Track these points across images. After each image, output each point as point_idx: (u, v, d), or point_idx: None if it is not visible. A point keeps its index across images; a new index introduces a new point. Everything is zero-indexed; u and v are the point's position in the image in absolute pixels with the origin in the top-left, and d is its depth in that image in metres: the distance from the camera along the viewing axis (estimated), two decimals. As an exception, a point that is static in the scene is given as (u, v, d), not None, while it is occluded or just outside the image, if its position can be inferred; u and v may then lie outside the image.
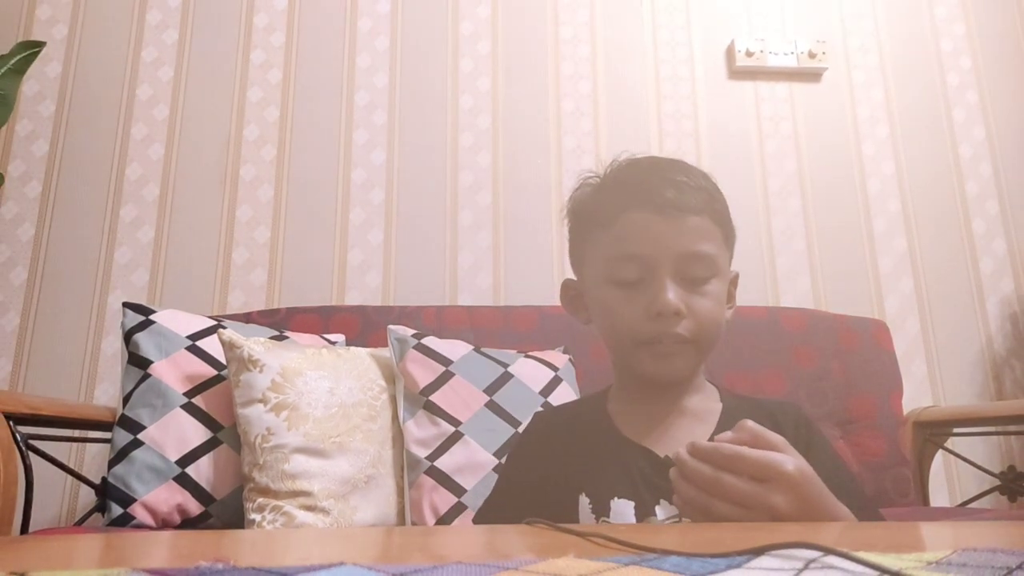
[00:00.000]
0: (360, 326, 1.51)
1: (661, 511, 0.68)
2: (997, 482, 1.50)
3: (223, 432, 1.24)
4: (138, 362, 1.27)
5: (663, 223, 0.70)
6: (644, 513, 0.68)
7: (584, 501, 0.70)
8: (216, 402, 1.26)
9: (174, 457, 1.20)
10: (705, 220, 0.72)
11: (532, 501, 0.72)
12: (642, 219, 0.70)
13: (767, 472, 0.53)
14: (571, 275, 0.82)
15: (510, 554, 0.40)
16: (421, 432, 1.26)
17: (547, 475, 0.74)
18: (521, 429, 1.25)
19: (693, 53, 1.96)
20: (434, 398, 1.28)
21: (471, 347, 1.38)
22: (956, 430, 1.56)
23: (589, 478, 0.71)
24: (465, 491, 1.21)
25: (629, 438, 0.73)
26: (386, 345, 1.36)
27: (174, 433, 1.22)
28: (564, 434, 0.78)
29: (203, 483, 1.20)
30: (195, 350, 1.30)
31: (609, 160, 0.78)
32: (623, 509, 0.68)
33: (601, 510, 0.69)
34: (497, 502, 0.81)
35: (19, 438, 1.09)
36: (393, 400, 1.32)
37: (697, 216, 0.71)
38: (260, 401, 1.19)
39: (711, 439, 0.57)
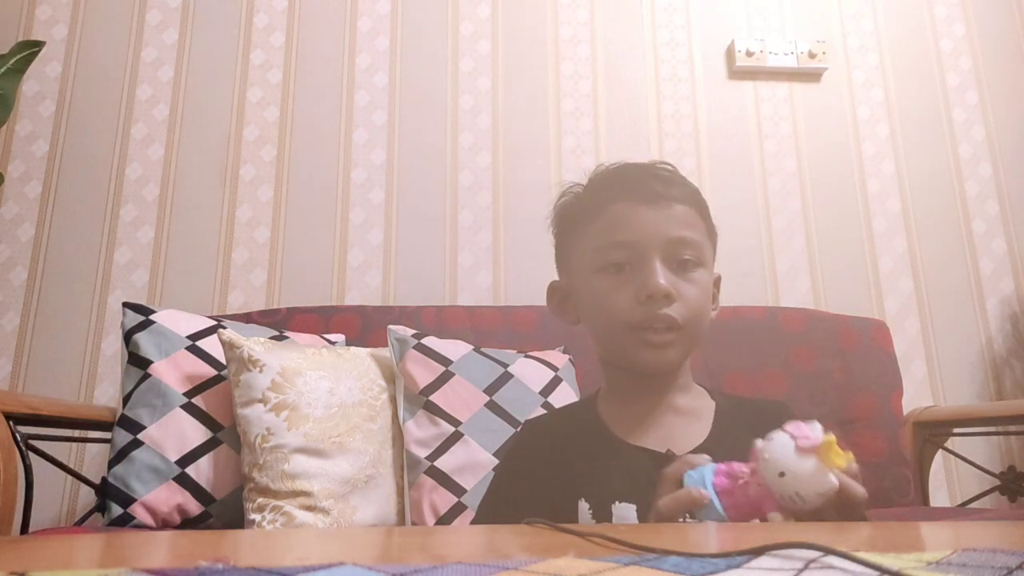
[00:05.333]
0: (360, 326, 1.51)
1: None
2: (997, 482, 1.51)
3: (223, 432, 1.24)
4: (138, 362, 1.27)
5: (650, 211, 0.71)
6: (647, 514, 0.68)
7: (584, 507, 0.69)
8: (216, 402, 1.26)
9: (174, 457, 1.20)
10: (690, 210, 0.74)
11: (528, 510, 0.72)
12: (629, 208, 0.72)
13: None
14: None
15: (510, 554, 0.40)
16: (421, 432, 1.26)
17: (542, 483, 0.74)
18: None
19: (693, 53, 1.96)
20: (434, 398, 1.28)
21: (471, 347, 1.38)
22: (956, 430, 1.56)
23: (587, 483, 0.71)
24: (465, 491, 1.21)
25: (624, 439, 0.73)
26: (386, 345, 1.36)
27: (174, 433, 1.22)
28: (557, 441, 0.77)
29: (203, 483, 1.20)
30: (195, 350, 1.30)
31: (607, 160, 0.79)
32: (625, 513, 0.68)
33: (602, 515, 0.68)
34: (491, 514, 0.80)
35: (19, 438, 1.09)
36: (393, 400, 1.32)
37: (682, 205, 0.73)
38: (260, 401, 1.19)
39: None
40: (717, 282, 0.79)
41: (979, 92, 1.99)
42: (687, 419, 0.74)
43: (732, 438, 0.73)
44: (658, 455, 0.70)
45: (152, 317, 1.32)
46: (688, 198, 0.74)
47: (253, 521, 1.13)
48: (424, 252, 1.76)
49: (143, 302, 1.53)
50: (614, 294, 0.71)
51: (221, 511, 1.21)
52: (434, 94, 1.86)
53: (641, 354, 0.71)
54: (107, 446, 1.28)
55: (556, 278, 0.84)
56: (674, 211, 0.72)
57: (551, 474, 0.74)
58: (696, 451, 0.71)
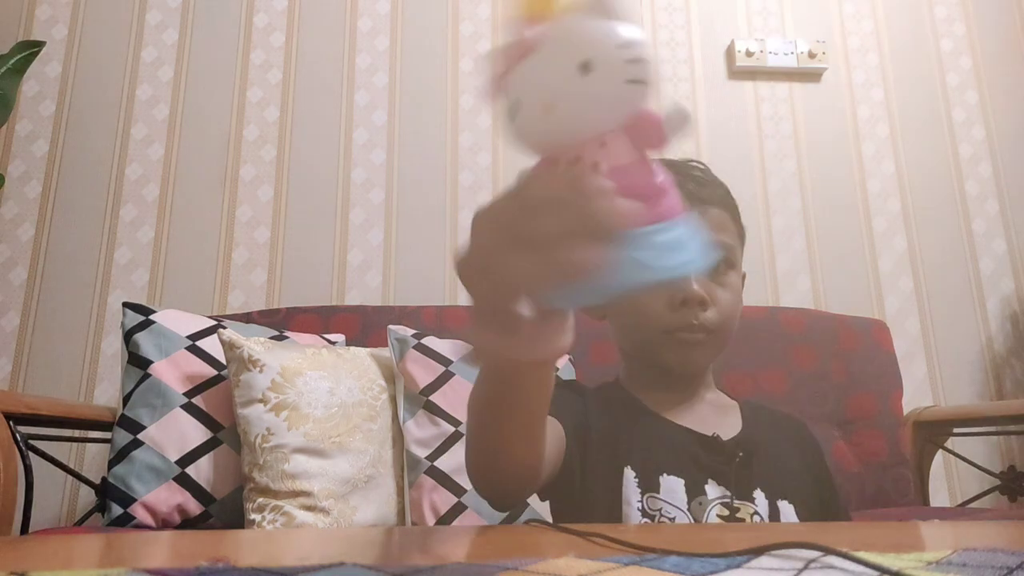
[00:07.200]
0: (360, 326, 1.51)
1: (711, 490, 0.68)
2: (997, 482, 1.51)
3: (223, 432, 1.24)
4: (138, 362, 1.27)
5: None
6: (695, 492, 0.67)
7: (630, 474, 0.69)
8: (216, 402, 1.26)
9: (174, 457, 1.20)
10: (723, 213, 0.74)
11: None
12: None
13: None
14: None
15: (510, 554, 0.40)
16: (421, 432, 1.26)
17: (588, 445, 0.71)
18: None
19: (693, 53, 1.96)
20: (434, 398, 1.28)
21: (471, 347, 1.38)
22: (956, 430, 1.56)
23: (632, 452, 0.70)
24: (465, 491, 1.21)
25: (672, 420, 0.72)
26: (386, 345, 1.36)
27: (174, 433, 1.22)
28: (596, 404, 0.74)
29: (203, 483, 1.20)
30: (195, 350, 1.30)
31: None
32: (673, 486, 0.67)
33: (649, 486, 0.68)
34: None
35: (19, 438, 1.09)
36: (393, 400, 1.32)
37: (717, 208, 0.73)
38: (260, 401, 1.19)
39: None
40: (742, 280, 0.80)
41: (979, 92, 1.99)
42: (718, 410, 0.75)
43: (760, 435, 0.74)
44: (705, 437, 0.70)
45: (152, 317, 1.32)
46: (721, 200, 0.74)
47: (253, 521, 1.13)
48: (424, 252, 1.76)
49: (143, 302, 1.54)
50: (648, 298, 0.70)
51: (221, 511, 1.21)
52: (434, 94, 1.86)
53: (670, 356, 0.71)
54: (107, 446, 1.28)
55: None
56: (710, 215, 0.72)
57: (597, 436, 0.71)
58: (735, 439, 0.71)
